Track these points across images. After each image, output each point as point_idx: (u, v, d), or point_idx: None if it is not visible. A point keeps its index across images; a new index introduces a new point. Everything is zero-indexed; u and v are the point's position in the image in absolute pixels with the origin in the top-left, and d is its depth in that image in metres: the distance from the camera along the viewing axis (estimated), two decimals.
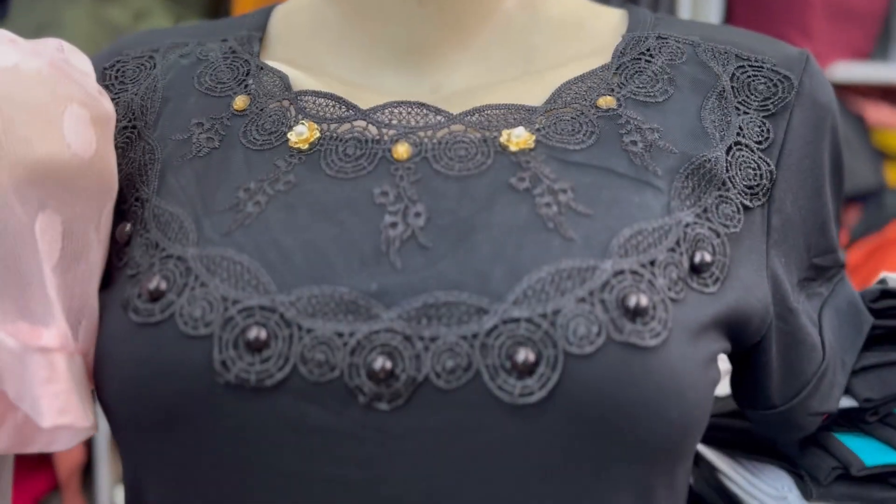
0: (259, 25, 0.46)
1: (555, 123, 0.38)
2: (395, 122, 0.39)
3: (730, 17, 1.42)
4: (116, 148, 0.41)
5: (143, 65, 0.45)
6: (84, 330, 0.37)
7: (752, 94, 0.40)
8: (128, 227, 0.39)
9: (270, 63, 0.43)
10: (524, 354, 0.31)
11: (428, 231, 0.35)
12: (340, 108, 0.40)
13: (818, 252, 0.43)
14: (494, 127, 0.38)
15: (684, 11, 1.28)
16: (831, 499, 0.45)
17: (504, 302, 0.32)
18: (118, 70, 0.45)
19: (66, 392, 0.35)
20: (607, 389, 0.31)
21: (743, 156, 0.39)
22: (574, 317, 0.32)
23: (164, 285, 0.35)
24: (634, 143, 0.38)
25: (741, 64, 0.41)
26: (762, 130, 0.39)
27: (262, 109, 0.41)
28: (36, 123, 0.35)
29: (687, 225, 0.36)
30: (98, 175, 0.38)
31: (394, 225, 0.35)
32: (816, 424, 0.43)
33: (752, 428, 0.52)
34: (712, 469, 0.54)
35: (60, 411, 0.34)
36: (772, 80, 0.40)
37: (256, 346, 0.33)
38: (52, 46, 0.39)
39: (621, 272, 0.33)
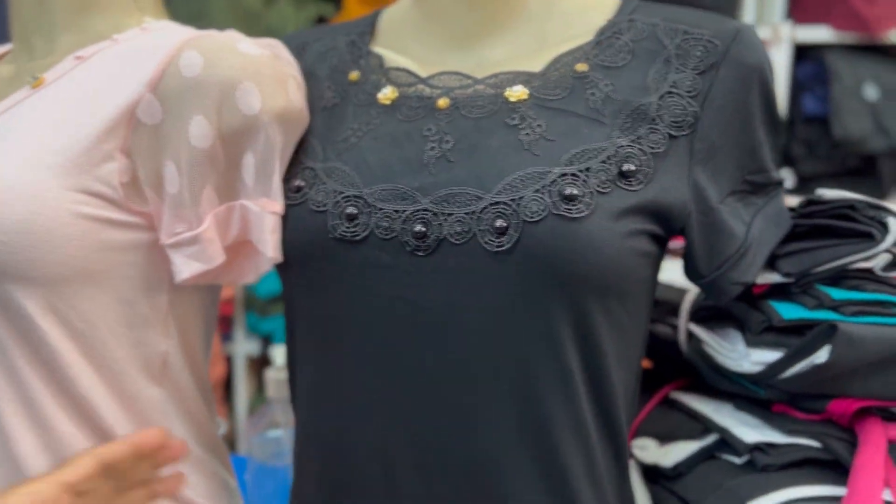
0: (371, 23, 0.68)
1: (545, 83, 0.57)
2: (441, 85, 0.59)
3: None
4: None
5: (299, 53, 0.68)
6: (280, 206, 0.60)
7: (690, 58, 0.56)
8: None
9: (375, 49, 0.65)
10: (500, 222, 0.51)
11: (453, 152, 0.55)
12: (411, 77, 0.61)
13: (750, 171, 0.58)
14: (503, 86, 0.57)
15: None
16: (762, 345, 0.62)
17: (491, 192, 0.52)
18: (297, 50, 0.69)
19: (278, 239, 0.58)
20: (548, 243, 0.50)
21: (673, 101, 0.55)
22: (531, 201, 0.51)
23: (302, 183, 0.59)
24: (594, 94, 0.56)
25: (686, 37, 0.56)
26: (693, 83, 0.55)
27: (366, 80, 0.63)
28: (276, 87, 0.58)
29: (621, 147, 0.53)
30: (305, 118, 0.62)
31: (432, 149, 0.56)
32: (738, 291, 0.58)
33: (711, 303, 0.69)
34: (698, 341, 0.72)
35: (275, 249, 0.58)
36: (706, 48, 0.56)
37: (350, 218, 0.55)
38: (269, 42, 0.62)
39: (564, 175, 0.52)
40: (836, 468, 0.62)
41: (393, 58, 0.63)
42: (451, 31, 0.61)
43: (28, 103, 0.59)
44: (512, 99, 0.56)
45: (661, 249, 0.57)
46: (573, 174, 0.51)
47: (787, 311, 0.61)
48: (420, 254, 0.53)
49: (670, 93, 0.55)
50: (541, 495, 0.54)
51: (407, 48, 0.64)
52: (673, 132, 0.55)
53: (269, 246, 0.57)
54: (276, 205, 0.58)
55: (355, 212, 0.55)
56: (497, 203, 0.51)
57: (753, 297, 0.64)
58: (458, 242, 0.52)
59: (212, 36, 0.58)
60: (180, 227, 0.57)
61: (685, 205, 0.55)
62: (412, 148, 0.57)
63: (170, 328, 0.61)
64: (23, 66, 0.63)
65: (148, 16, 0.64)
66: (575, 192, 0.50)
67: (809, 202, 0.63)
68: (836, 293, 0.61)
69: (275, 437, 0.88)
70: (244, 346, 1.82)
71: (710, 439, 0.69)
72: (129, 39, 0.60)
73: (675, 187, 0.54)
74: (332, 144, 0.60)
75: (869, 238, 0.60)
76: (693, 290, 0.75)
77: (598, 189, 0.51)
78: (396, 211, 0.54)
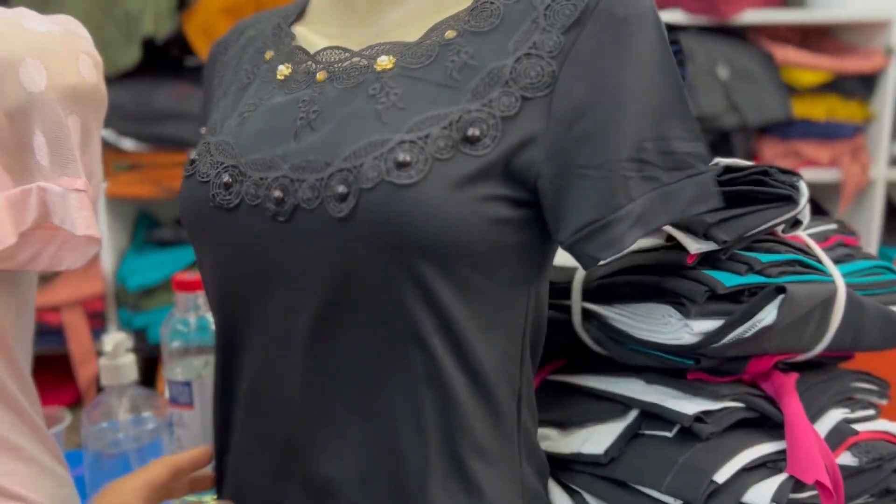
0: (301, 6, 0.69)
1: (413, 52, 0.56)
2: (324, 59, 0.60)
3: None
4: (217, 86, 0.70)
5: (237, 37, 0.72)
6: (93, 185, 0.60)
7: (557, 18, 0.54)
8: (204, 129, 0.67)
9: (294, 30, 0.66)
10: (341, 188, 0.51)
11: (317, 121, 0.56)
12: (302, 54, 0.63)
13: (647, 138, 0.53)
14: (375, 56, 0.58)
15: None
16: (707, 314, 0.62)
17: (338, 159, 0.53)
18: (225, 42, 0.73)
19: (90, 216, 0.58)
20: (381, 209, 0.50)
21: (531, 62, 0.53)
22: (368, 168, 0.51)
23: (195, 156, 0.62)
24: (453, 62, 0.55)
25: None
26: (555, 43, 0.53)
27: (276, 59, 0.64)
28: (65, 64, 0.56)
29: (468, 111, 0.52)
30: (100, 95, 0.60)
31: (301, 119, 0.57)
32: (592, 265, 0.55)
33: (632, 281, 0.69)
34: (602, 318, 0.70)
35: (87, 226, 0.57)
36: (574, 4, 0.54)
37: (226, 186, 0.57)
38: (63, 19, 0.60)
39: (403, 142, 0.51)
40: (760, 425, 0.65)
41: (305, 37, 0.65)
42: (353, 4, 0.62)
43: None
44: (378, 69, 0.57)
45: (537, 213, 0.55)
46: (411, 141, 0.52)
47: (726, 279, 0.62)
48: (281, 219, 0.54)
49: (528, 54, 0.54)
50: (387, 449, 0.55)
51: (323, 27, 0.65)
52: (528, 94, 0.53)
53: (79, 224, 0.57)
54: (78, 182, 0.58)
55: (230, 180, 0.57)
56: (341, 170, 0.52)
57: (683, 267, 0.64)
58: (309, 208, 0.53)
59: (12, 12, 0.57)
60: None
61: (537, 167, 0.53)
62: (285, 118, 0.58)
63: None
64: None
65: None
66: (408, 158, 0.51)
67: (727, 170, 0.65)
68: (764, 257, 0.63)
69: (109, 427, 0.86)
70: None
71: (631, 418, 0.68)
72: None
73: (526, 150, 0.53)
74: (230, 120, 0.62)
75: (789, 201, 0.63)
76: (582, 270, 0.73)
77: (436, 155, 0.51)
78: (262, 178, 0.56)
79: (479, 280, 0.54)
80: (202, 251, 0.62)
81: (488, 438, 0.58)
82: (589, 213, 0.53)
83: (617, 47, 0.53)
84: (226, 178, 0.57)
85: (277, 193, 0.54)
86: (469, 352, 0.55)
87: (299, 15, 0.68)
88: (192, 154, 0.63)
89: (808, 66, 1.80)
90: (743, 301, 0.62)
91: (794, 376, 0.67)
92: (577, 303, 0.72)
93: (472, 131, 0.52)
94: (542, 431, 0.72)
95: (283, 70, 0.62)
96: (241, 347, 0.61)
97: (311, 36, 0.65)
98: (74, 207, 0.57)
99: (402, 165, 0.51)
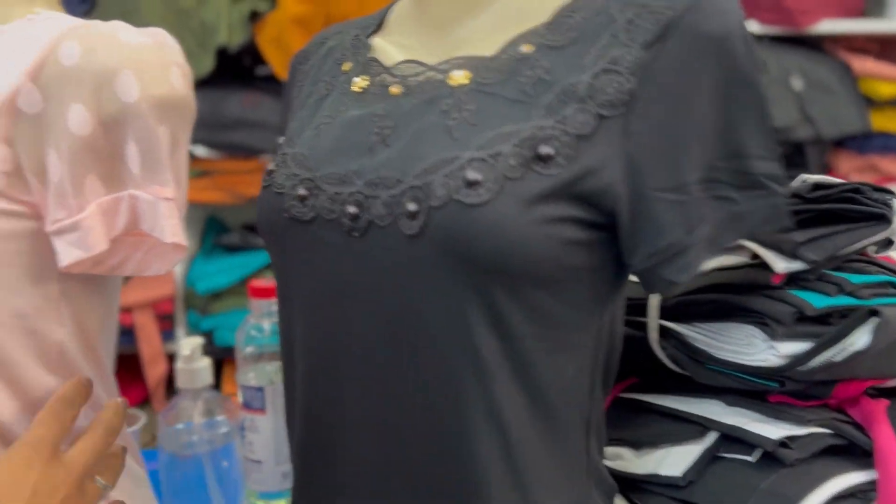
0: (381, 16, 0.69)
1: (489, 67, 0.56)
2: (399, 73, 0.60)
3: None
4: (296, 96, 0.70)
5: (317, 48, 0.72)
6: (180, 193, 0.61)
7: (638, 32, 0.52)
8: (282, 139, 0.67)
9: (373, 41, 0.66)
10: (411, 206, 0.52)
11: (391, 137, 0.56)
12: (380, 67, 0.62)
13: (721, 157, 0.52)
14: (450, 70, 0.57)
15: None
16: (795, 336, 0.60)
17: (409, 176, 0.53)
18: (306, 53, 0.73)
19: (177, 224, 0.60)
20: (449, 228, 0.50)
21: (609, 78, 0.51)
22: (438, 186, 0.51)
23: (273, 168, 0.62)
24: (528, 76, 0.54)
25: (638, 11, 0.52)
26: (635, 59, 0.51)
27: (353, 70, 0.64)
28: (157, 75, 0.58)
29: (540, 128, 0.51)
30: (189, 105, 0.61)
31: (376, 133, 0.57)
32: (668, 289, 0.55)
33: (714, 299, 0.67)
34: (680, 336, 0.69)
35: (174, 234, 0.59)
36: (657, 19, 0.51)
37: (301, 199, 0.58)
38: (154, 31, 0.61)
39: (473, 160, 0.51)
40: (848, 453, 0.63)
41: (383, 48, 0.65)
42: (430, 16, 0.62)
43: None
44: (452, 84, 0.56)
45: (609, 235, 0.53)
46: (482, 159, 0.51)
47: (815, 300, 0.60)
48: (355, 234, 0.55)
49: (607, 70, 0.52)
50: (446, 475, 0.55)
51: (401, 38, 0.65)
52: (604, 112, 0.51)
53: (167, 232, 0.59)
54: (167, 190, 0.59)
55: (305, 193, 0.58)
56: (413, 187, 0.52)
57: (769, 287, 0.62)
58: (382, 225, 0.53)
59: (94, 25, 0.59)
60: (61, 214, 0.58)
61: (613, 189, 0.51)
62: (361, 132, 0.58)
63: (63, 317, 0.61)
64: None
65: (38, 6, 0.63)
66: (478, 177, 0.50)
67: (816, 187, 0.63)
68: (854, 278, 0.61)
69: (184, 429, 0.87)
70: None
71: (711, 440, 0.66)
72: (14, 31, 0.61)
73: (602, 171, 0.51)
74: (308, 130, 0.63)
75: (881, 220, 0.60)
76: None
77: (507, 174, 0.50)
78: (338, 193, 0.56)
79: (547, 302, 0.53)
80: (277, 261, 0.63)
81: (553, 466, 0.56)
82: (664, 236, 0.52)
83: (700, 66, 0.51)
84: (301, 190, 0.58)
85: (352, 209, 0.55)
86: (535, 375, 0.54)
87: (378, 26, 0.68)
88: (271, 164, 0.64)
89: (887, 78, 1.74)
90: (832, 323, 0.60)
91: (884, 402, 0.65)
92: (654, 320, 0.70)
93: (545, 149, 0.50)
94: (613, 450, 0.70)
95: (360, 82, 0.62)
96: (303, 356, 0.61)
97: (388, 48, 0.64)
98: (164, 215, 0.59)
99: (471, 184, 0.50)
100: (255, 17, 1.64)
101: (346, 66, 0.65)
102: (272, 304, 0.88)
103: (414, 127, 0.55)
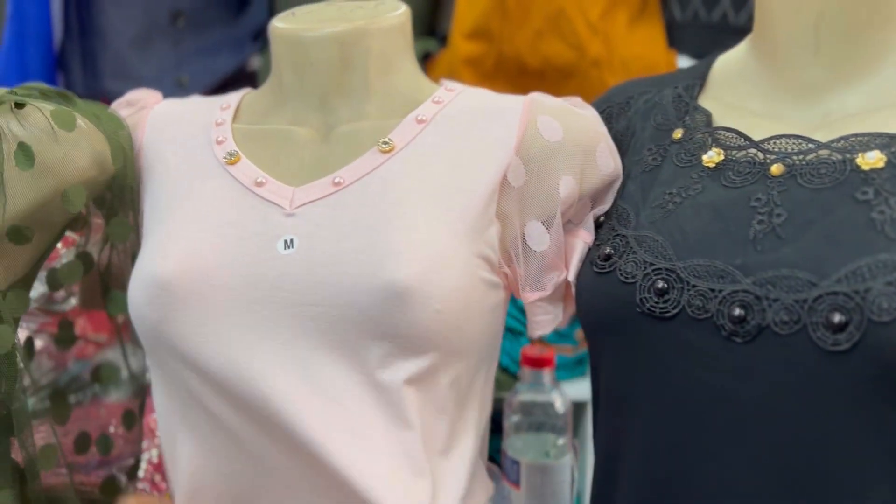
0: (702, 74, 0.64)
1: None
2: (776, 149, 0.54)
3: None
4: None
5: (623, 108, 0.67)
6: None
7: None
8: (602, 216, 0.63)
9: (703, 104, 0.61)
10: (838, 317, 0.45)
11: (784, 227, 0.50)
12: (741, 139, 0.56)
13: None
14: (855, 150, 0.51)
15: None
16: None
17: (829, 279, 0.46)
18: (607, 113, 0.67)
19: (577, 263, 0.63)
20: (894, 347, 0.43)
21: None
22: (880, 295, 0.44)
23: (611, 251, 0.57)
24: None
25: None
26: None
27: (690, 138, 0.59)
28: (613, 146, 0.66)
29: None
30: None
31: (760, 222, 0.51)
32: None
33: None
34: None
35: (573, 272, 0.62)
36: None
37: (660, 293, 0.52)
38: (579, 102, 0.66)
39: None
40: None
41: (722, 114, 0.60)
42: (792, 80, 0.56)
43: (388, 168, 0.60)
44: (864, 167, 0.50)
45: None
46: None
47: None
48: (737, 340, 0.49)
49: None
50: None
51: (740, 101, 0.60)
52: None
53: (572, 271, 0.62)
54: (590, 236, 0.63)
55: (665, 286, 0.52)
56: (836, 293, 0.46)
57: None
58: (782, 333, 0.47)
59: (550, 100, 0.64)
60: (548, 281, 0.62)
61: None
62: (736, 219, 0.53)
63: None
64: (326, 127, 0.64)
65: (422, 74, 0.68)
66: None
67: None
68: None
69: None
70: None
71: None
72: (450, 102, 0.64)
73: None
74: (646, 209, 0.58)
75: None
76: None
77: None
78: (712, 290, 0.50)
79: None
80: (613, 357, 0.57)
81: None
82: None
83: None
84: (659, 283, 0.52)
85: (738, 311, 0.49)
86: None
87: (701, 86, 0.63)
88: (607, 248, 0.59)
89: None
90: None
91: None
92: None
93: None
94: None
95: (714, 157, 0.56)
96: (635, 473, 0.55)
97: (729, 115, 0.59)
98: (580, 257, 0.64)
99: None
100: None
101: (678, 134, 0.60)
102: (542, 376, 0.85)
103: (821, 219, 0.49)
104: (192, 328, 0.57)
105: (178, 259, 0.58)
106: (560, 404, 0.85)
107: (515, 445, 0.85)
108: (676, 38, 1.24)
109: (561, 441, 0.84)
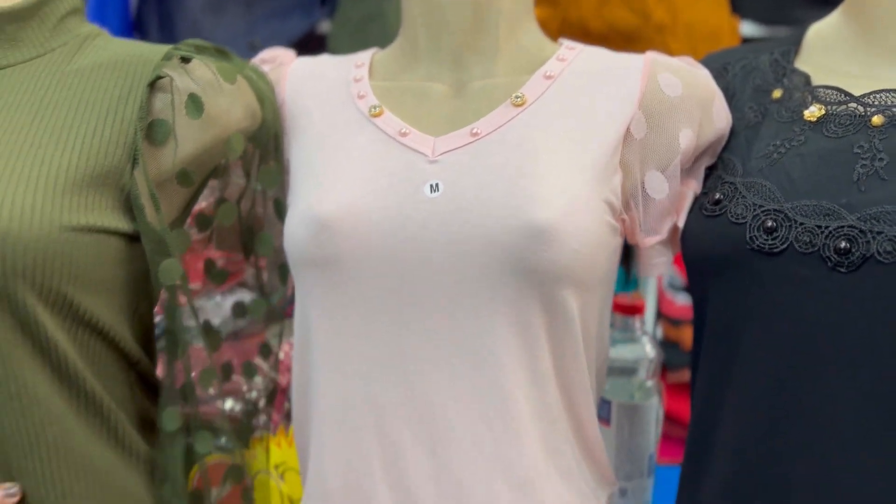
0: (796, 40, 0.69)
1: None
2: (876, 102, 0.59)
3: None
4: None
5: (720, 73, 0.71)
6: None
7: None
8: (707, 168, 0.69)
9: (800, 67, 0.66)
10: None
11: (886, 169, 0.55)
12: (841, 94, 0.62)
13: None
14: None
15: None
16: None
17: None
18: (717, 71, 0.72)
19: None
20: None
21: None
22: None
23: (721, 197, 0.63)
24: None
25: None
26: None
27: (790, 97, 0.65)
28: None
29: None
30: None
31: (863, 166, 0.56)
32: None
33: None
34: None
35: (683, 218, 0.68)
36: None
37: (769, 230, 0.57)
38: (690, 60, 0.71)
39: None
40: None
41: (820, 76, 0.64)
42: (888, 43, 0.61)
43: (521, 120, 0.65)
44: None
45: None
46: None
47: None
48: (842, 270, 0.53)
49: None
50: None
51: (836, 65, 0.64)
52: None
53: (682, 217, 0.67)
54: (699, 185, 0.68)
55: (774, 225, 0.57)
56: None
57: None
58: (886, 262, 0.51)
59: (668, 58, 0.68)
60: (664, 226, 0.68)
61: None
62: (840, 165, 0.57)
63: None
64: (459, 83, 0.69)
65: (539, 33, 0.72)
66: None
67: None
68: None
69: None
70: None
71: None
72: (573, 60, 0.69)
73: None
74: (752, 160, 0.63)
75: None
76: None
77: None
78: (818, 226, 0.55)
79: None
80: (722, 293, 0.61)
81: None
82: None
83: None
84: (768, 222, 0.57)
85: (843, 244, 0.53)
86: None
87: (795, 51, 0.68)
88: (716, 194, 0.64)
89: None
90: None
91: None
92: None
93: None
94: None
95: (815, 111, 0.61)
96: (742, 401, 0.58)
97: (827, 76, 0.64)
98: (687, 205, 0.69)
99: None
100: None
101: (777, 94, 0.65)
102: (634, 321, 0.89)
103: None
104: (353, 262, 0.62)
105: (338, 201, 0.64)
106: (650, 349, 0.90)
107: (607, 386, 0.90)
108: (739, 4, 1.27)
109: (650, 383, 0.90)
